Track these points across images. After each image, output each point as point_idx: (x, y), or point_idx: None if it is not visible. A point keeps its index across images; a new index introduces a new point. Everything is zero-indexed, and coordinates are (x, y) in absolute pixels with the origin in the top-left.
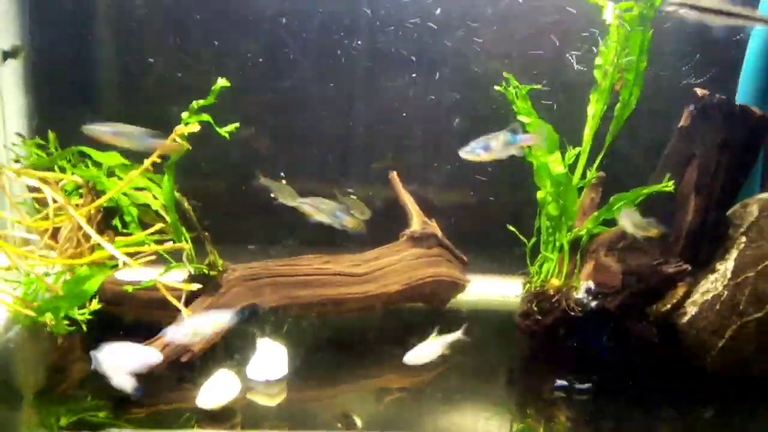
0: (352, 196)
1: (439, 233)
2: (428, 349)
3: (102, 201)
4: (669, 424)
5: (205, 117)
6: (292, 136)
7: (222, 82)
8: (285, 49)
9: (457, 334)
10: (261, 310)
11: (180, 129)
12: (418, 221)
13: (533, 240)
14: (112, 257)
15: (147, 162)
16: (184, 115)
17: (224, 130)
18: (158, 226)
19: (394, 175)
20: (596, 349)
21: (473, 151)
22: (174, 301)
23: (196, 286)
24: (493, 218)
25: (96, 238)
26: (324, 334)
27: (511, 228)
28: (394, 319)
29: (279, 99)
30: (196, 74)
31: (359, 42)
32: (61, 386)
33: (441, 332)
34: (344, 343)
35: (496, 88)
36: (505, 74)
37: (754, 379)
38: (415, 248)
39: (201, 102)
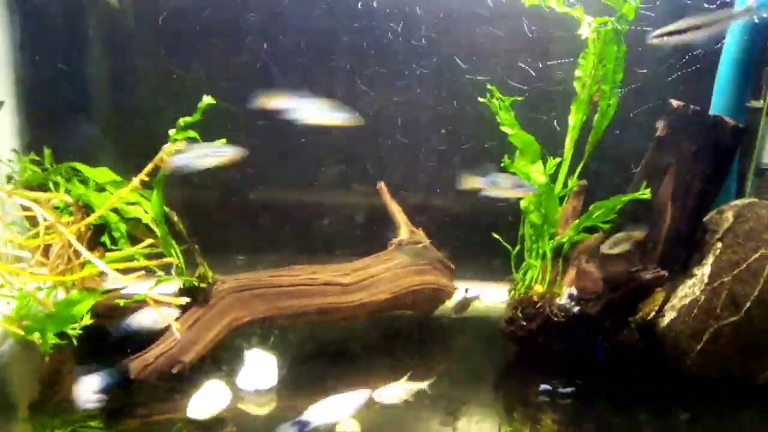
0: None
1: (427, 241)
2: (394, 392)
3: (92, 219)
4: (649, 425)
5: (192, 134)
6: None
7: (207, 99)
8: (274, 59)
9: (423, 385)
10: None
11: (168, 147)
12: (405, 230)
13: (517, 248)
14: (103, 277)
15: (136, 179)
16: (172, 132)
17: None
18: (148, 241)
19: (381, 185)
20: (585, 352)
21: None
22: (163, 316)
23: (184, 300)
24: (480, 227)
25: (85, 254)
26: (313, 344)
27: (496, 236)
28: (383, 328)
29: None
30: (188, 87)
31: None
32: (53, 399)
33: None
34: (333, 352)
35: (480, 100)
36: (489, 87)
37: (733, 381)
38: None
39: (187, 119)
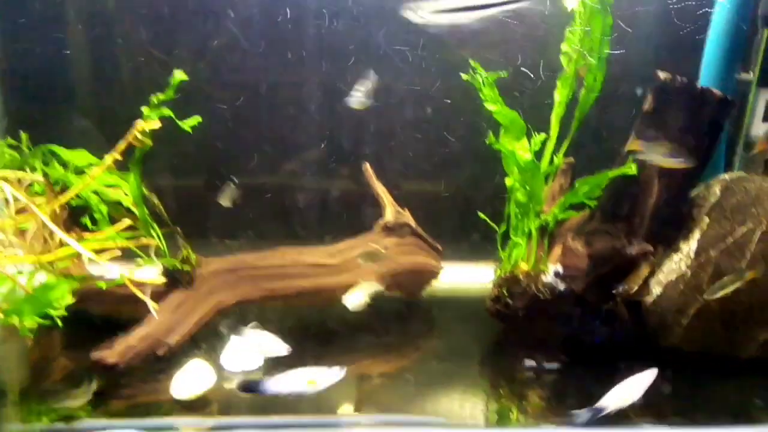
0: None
1: (413, 222)
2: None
3: (65, 198)
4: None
5: (166, 111)
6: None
7: (180, 75)
8: (257, 42)
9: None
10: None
11: (140, 124)
12: (391, 211)
13: (504, 226)
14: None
15: (108, 158)
16: (145, 110)
17: (186, 124)
18: (126, 222)
19: (367, 166)
20: (571, 329)
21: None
22: (141, 296)
23: (161, 280)
24: (467, 206)
25: (59, 234)
26: (300, 325)
27: (482, 215)
28: (370, 309)
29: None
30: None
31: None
32: (38, 382)
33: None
34: (320, 333)
35: (463, 76)
36: (471, 62)
37: (719, 355)
38: (389, 238)
39: (161, 96)
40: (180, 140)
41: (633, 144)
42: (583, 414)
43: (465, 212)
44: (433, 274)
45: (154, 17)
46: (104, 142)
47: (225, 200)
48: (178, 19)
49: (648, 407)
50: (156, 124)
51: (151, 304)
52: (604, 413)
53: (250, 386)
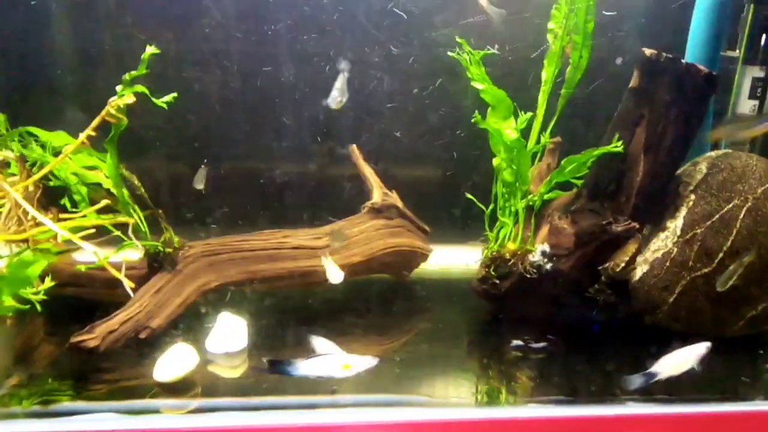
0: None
1: (400, 204)
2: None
3: (38, 176)
4: (616, 376)
5: (140, 88)
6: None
7: (151, 49)
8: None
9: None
10: None
11: (114, 101)
12: (378, 193)
13: (491, 206)
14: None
15: (82, 135)
16: (119, 87)
17: (162, 101)
18: (104, 202)
19: (353, 147)
20: (558, 308)
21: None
22: (117, 275)
23: (137, 258)
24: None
25: (32, 212)
26: (286, 307)
27: (469, 196)
28: (357, 291)
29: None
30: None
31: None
32: (22, 366)
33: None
34: (306, 315)
35: (450, 54)
36: (458, 39)
37: (705, 333)
38: (376, 219)
39: (133, 72)
40: (162, 122)
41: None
42: (636, 379)
43: (456, 193)
44: (422, 255)
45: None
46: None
47: (199, 184)
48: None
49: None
50: (130, 100)
51: (128, 284)
52: (656, 379)
53: (279, 367)
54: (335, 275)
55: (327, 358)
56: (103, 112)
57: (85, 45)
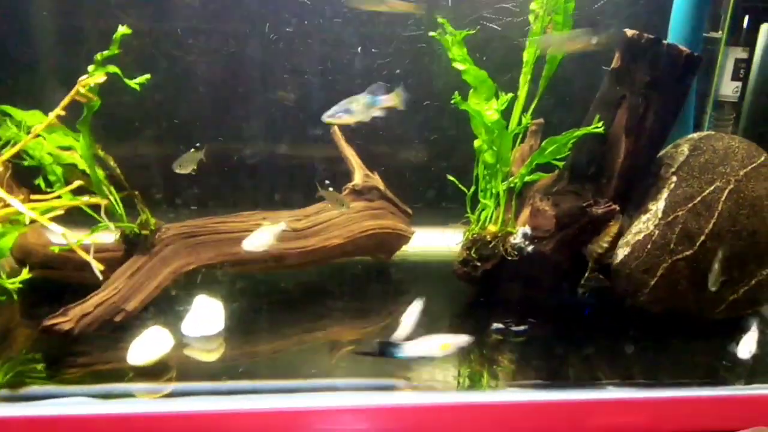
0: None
1: (382, 186)
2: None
3: (6, 155)
4: (593, 359)
5: (113, 69)
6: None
7: (122, 29)
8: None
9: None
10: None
11: (84, 80)
12: (359, 174)
13: (473, 188)
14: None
15: (51, 115)
16: (90, 67)
17: (134, 82)
18: (76, 183)
19: (335, 129)
20: (540, 291)
21: (335, 116)
22: (87, 258)
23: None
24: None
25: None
26: (265, 290)
27: (451, 178)
28: (338, 273)
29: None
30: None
31: None
32: None
33: None
34: (285, 298)
35: (431, 34)
36: (439, 19)
37: (687, 316)
38: (357, 201)
39: (105, 53)
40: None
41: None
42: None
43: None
44: (404, 238)
45: None
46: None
47: (185, 168)
48: None
49: (613, 368)
50: (101, 79)
51: (96, 267)
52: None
53: (386, 350)
54: (253, 241)
55: (427, 339)
56: (73, 92)
57: (65, 23)
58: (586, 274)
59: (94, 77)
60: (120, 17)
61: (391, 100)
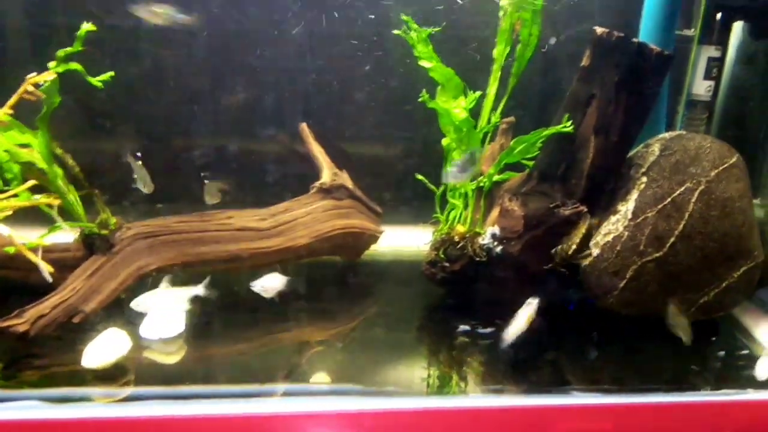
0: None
1: (350, 184)
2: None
3: None
4: (556, 362)
5: (75, 66)
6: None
7: (86, 26)
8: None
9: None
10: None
11: (31, 78)
12: (328, 173)
13: (442, 188)
14: None
15: (0, 112)
16: (51, 64)
17: (97, 80)
18: (30, 182)
19: (304, 126)
20: (509, 293)
21: (456, 176)
22: (35, 259)
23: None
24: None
25: None
26: (230, 291)
27: (420, 177)
28: (305, 274)
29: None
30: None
31: None
32: None
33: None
34: (250, 299)
35: (395, 32)
36: (403, 17)
37: (657, 319)
38: (325, 200)
39: (68, 49)
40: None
41: None
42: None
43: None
44: (372, 237)
45: None
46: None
47: (212, 198)
48: None
49: (580, 372)
50: (51, 76)
51: (45, 269)
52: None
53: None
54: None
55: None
56: (21, 90)
57: (36, 19)
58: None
59: (42, 75)
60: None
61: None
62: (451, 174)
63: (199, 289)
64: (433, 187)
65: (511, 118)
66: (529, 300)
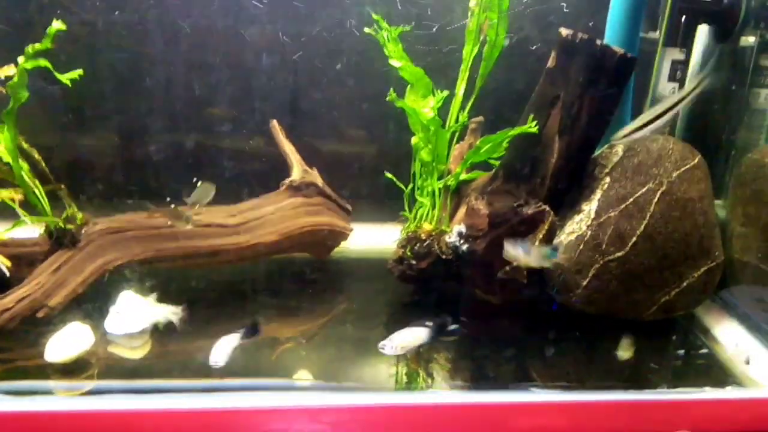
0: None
1: (320, 182)
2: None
3: None
4: (515, 360)
5: (44, 62)
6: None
7: (57, 25)
8: None
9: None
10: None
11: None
12: (298, 170)
13: (410, 186)
14: None
15: None
16: (20, 59)
17: (65, 77)
18: None
19: (274, 123)
20: (476, 290)
21: (515, 251)
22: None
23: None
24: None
25: None
26: (196, 288)
27: (389, 175)
28: (273, 270)
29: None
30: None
31: None
32: None
33: None
34: (217, 296)
35: (366, 30)
36: (374, 17)
37: (620, 318)
38: (295, 197)
39: (37, 45)
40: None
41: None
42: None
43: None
44: (341, 235)
45: None
46: None
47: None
48: None
49: (536, 370)
50: (10, 71)
51: (2, 261)
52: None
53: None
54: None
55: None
56: None
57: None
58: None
59: (2, 69)
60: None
61: (561, 256)
62: None
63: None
64: (401, 185)
65: (480, 118)
66: (427, 322)
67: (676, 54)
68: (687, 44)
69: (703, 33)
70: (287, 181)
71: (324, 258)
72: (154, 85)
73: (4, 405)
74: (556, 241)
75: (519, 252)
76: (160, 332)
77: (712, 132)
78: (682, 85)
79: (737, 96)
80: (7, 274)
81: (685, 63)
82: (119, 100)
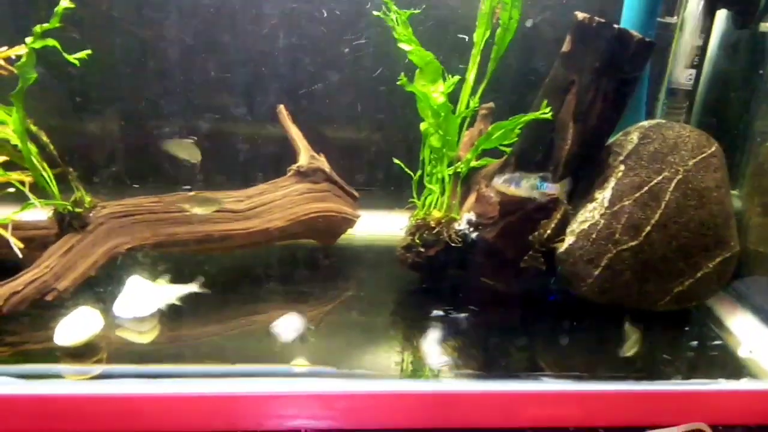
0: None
1: (327, 168)
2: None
3: None
4: (528, 349)
5: (52, 42)
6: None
7: (65, 3)
8: None
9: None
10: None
11: (2, 52)
12: (305, 156)
13: (419, 172)
14: None
15: None
16: (28, 39)
17: (74, 57)
18: (1, 159)
19: (281, 108)
20: (485, 279)
21: (504, 183)
22: (5, 234)
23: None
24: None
25: None
26: (207, 272)
27: (397, 161)
28: (281, 256)
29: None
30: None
31: None
32: None
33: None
34: (226, 281)
35: (375, 13)
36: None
37: (629, 307)
38: (302, 183)
39: (45, 25)
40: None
41: None
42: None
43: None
44: (348, 221)
45: None
46: None
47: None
48: None
49: (547, 359)
50: (21, 51)
51: (15, 244)
52: None
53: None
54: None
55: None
56: None
57: None
58: (526, 256)
59: (13, 49)
60: None
61: (555, 189)
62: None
63: (193, 287)
64: (410, 171)
65: (491, 104)
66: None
67: (695, 39)
68: (705, 29)
69: (721, 18)
70: (294, 166)
71: (331, 244)
72: (165, 68)
73: (14, 388)
74: (568, 229)
75: (508, 183)
76: (169, 316)
77: (729, 120)
78: (699, 72)
79: (756, 84)
80: (20, 255)
81: (703, 49)
82: (127, 85)
